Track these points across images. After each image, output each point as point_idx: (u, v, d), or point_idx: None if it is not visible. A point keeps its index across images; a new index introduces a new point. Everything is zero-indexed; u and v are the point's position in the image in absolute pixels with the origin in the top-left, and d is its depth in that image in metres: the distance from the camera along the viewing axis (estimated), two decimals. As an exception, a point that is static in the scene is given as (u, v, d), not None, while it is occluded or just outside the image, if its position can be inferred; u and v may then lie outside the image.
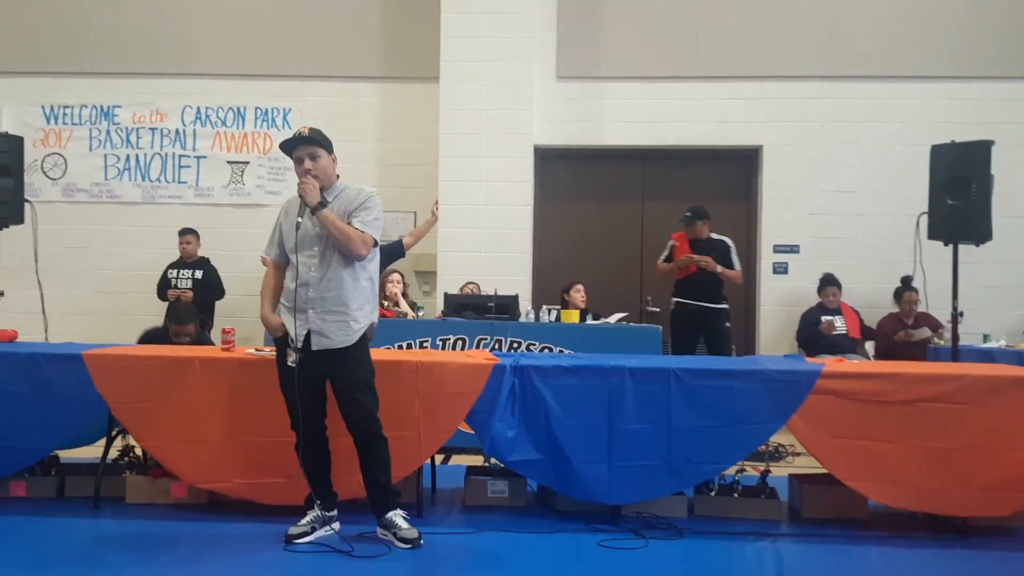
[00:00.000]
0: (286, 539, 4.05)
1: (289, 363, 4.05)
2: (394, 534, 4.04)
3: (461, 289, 7.34)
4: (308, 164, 4.06)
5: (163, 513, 4.57)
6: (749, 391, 4.41)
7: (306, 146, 4.08)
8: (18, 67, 8.66)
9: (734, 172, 8.51)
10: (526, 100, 7.96)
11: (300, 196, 4.04)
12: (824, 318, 7.46)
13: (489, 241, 7.87)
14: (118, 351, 4.79)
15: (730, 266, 7.12)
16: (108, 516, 4.55)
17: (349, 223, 4.02)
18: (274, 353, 4.49)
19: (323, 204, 4.00)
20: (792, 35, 8.20)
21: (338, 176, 4.23)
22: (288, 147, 4.14)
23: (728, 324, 7.18)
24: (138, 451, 5.03)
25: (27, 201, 6.21)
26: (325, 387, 4.14)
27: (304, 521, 4.14)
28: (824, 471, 4.54)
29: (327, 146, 4.14)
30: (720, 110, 8.19)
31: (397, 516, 4.10)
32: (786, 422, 4.42)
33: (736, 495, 4.70)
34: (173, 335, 5.70)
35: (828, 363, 4.80)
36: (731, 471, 4.72)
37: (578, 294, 7.33)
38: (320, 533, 4.13)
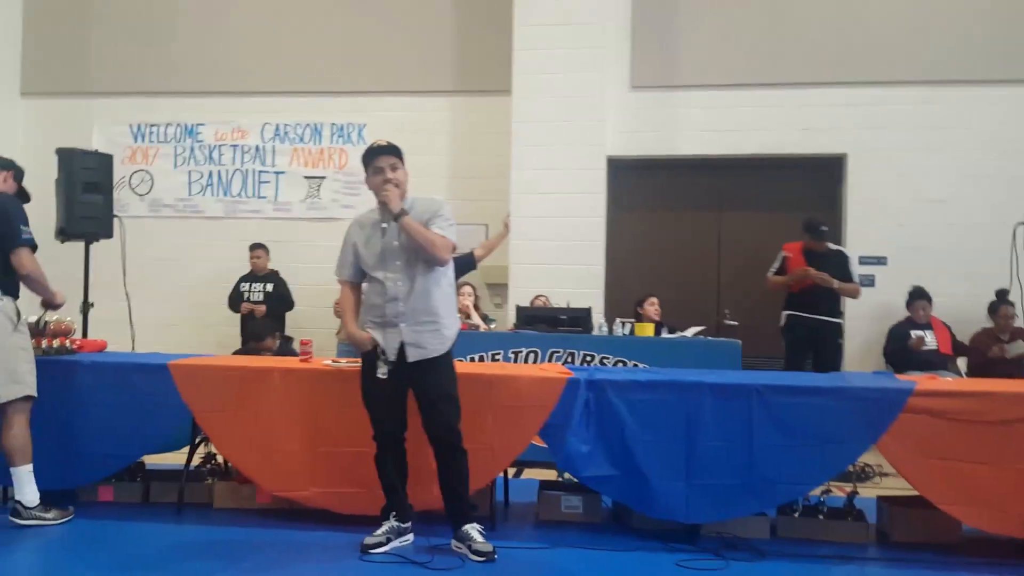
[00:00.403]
0: (362, 549, 4.06)
1: (379, 375, 4.06)
2: (468, 547, 4.01)
3: (531, 302, 7.29)
4: (390, 174, 4.09)
5: (244, 519, 4.64)
6: (837, 409, 4.23)
7: (387, 156, 4.12)
8: (108, 88, 9.00)
9: (817, 181, 8.26)
10: (599, 111, 7.89)
11: (383, 204, 4.07)
12: (914, 333, 7.17)
13: (561, 253, 7.81)
14: (202, 361, 4.92)
15: (848, 278, 6.90)
16: (191, 522, 4.64)
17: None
18: (350, 365, 4.52)
19: (404, 212, 4.03)
20: (878, 39, 7.95)
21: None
22: (369, 157, 4.16)
23: (841, 341, 6.95)
24: (220, 459, 5.13)
25: (116, 216, 6.44)
26: (407, 400, 4.15)
27: (380, 532, 4.14)
28: (915, 493, 4.34)
29: (403, 159, 4.17)
30: (802, 117, 7.97)
31: (473, 529, 4.07)
32: (876, 442, 4.23)
33: (821, 516, 4.52)
34: (256, 351, 5.81)
35: (920, 380, 4.59)
36: (816, 492, 4.54)
37: (652, 307, 7.19)
38: (395, 544, 4.13)
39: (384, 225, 4.09)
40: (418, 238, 4.00)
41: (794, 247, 7.05)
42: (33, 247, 4.46)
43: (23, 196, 4.80)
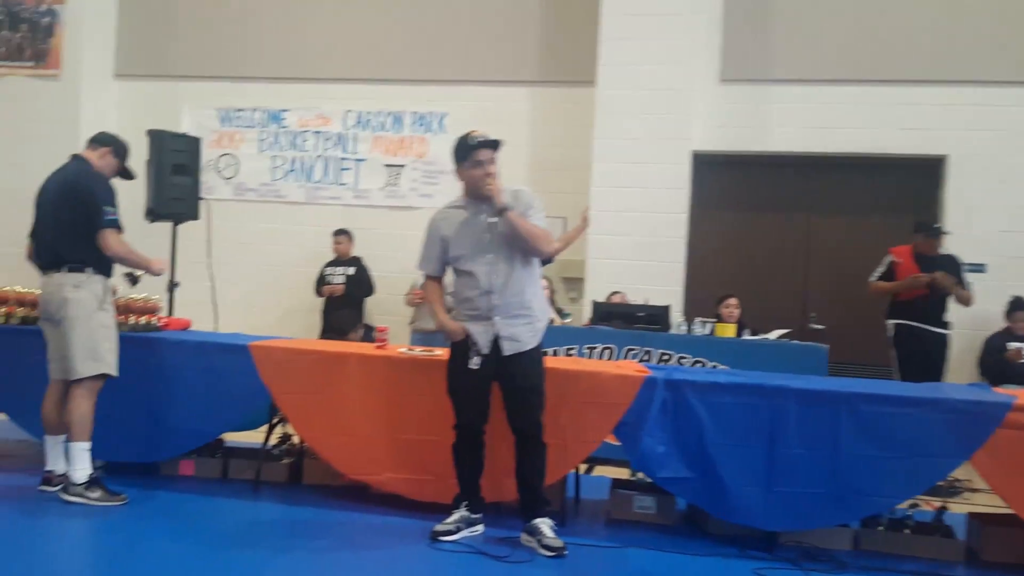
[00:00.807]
0: (432, 535, 4.07)
1: (471, 366, 4.05)
2: (539, 541, 3.97)
3: (608, 298, 7.18)
4: (491, 168, 4.05)
5: (319, 500, 4.72)
6: (930, 421, 4.05)
7: (489, 150, 4.07)
8: (197, 71, 9.17)
9: (914, 184, 7.93)
10: (686, 104, 7.72)
11: (485, 197, 4.03)
12: (1010, 345, 6.84)
13: (640, 249, 7.67)
14: (282, 344, 5.01)
15: (962, 285, 6.62)
16: (268, 499, 4.75)
17: None
18: (424, 354, 4.52)
19: (509, 206, 4.00)
20: (983, 36, 7.59)
21: None
22: (469, 149, 4.07)
23: (947, 353, 6.66)
24: (295, 439, 5.22)
25: (202, 199, 6.55)
26: (491, 392, 4.12)
27: (450, 520, 4.15)
28: (1008, 511, 4.12)
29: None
30: (900, 116, 7.65)
31: (544, 524, 4.04)
32: (969, 457, 4.03)
33: (907, 531, 4.34)
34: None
35: (1020, 395, 4.35)
36: (903, 505, 4.35)
37: (728, 309, 6.98)
38: (465, 533, 4.14)
39: (492, 220, 4.05)
40: (522, 232, 3.99)
41: (903, 251, 6.77)
42: (118, 228, 4.50)
43: (126, 174, 4.83)
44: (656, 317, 6.33)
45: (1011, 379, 6.48)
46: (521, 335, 4.04)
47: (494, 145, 4.07)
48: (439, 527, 4.11)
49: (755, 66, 7.93)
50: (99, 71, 9.21)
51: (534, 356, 4.09)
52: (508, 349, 4.03)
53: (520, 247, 4.03)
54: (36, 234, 4.63)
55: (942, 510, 4.45)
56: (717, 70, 7.97)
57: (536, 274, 4.16)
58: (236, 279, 8.32)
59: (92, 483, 4.39)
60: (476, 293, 4.06)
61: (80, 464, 4.37)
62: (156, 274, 4.81)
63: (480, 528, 4.21)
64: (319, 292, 8.17)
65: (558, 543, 3.94)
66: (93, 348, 4.44)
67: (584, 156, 7.86)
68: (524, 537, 4.05)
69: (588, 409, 4.35)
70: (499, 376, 4.07)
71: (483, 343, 4.04)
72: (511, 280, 4.03)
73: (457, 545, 4.00)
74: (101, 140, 4.74)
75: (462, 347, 4.10)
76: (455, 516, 4.17)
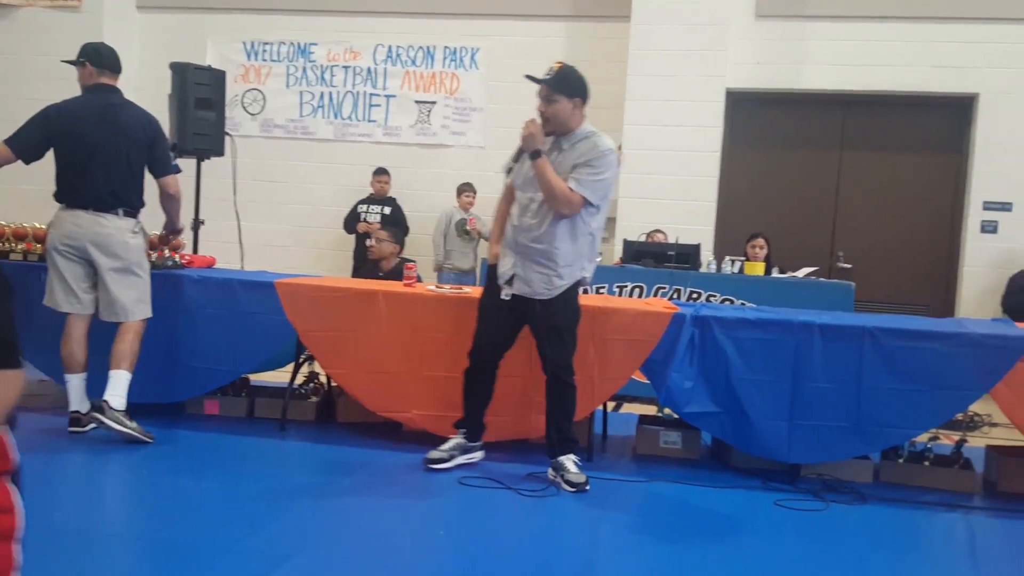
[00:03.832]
0: (425, 462, 4.15)
1: (503, 296, 4.08)
2: (562, 476, 4.04)
3: (649, 236, 7.16)
4: (541, 106, 3.97)
5: (348, 438, 4.75)
6: (952, 355, 4.10)
7: (544, 88, 3.96)
8: (223, 3, 8.99)
9: (945, 121, 7.84)
10: (721, 40, 7.62)
11: (521, 138, 3.98)
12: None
13: (672, 188, 7.66)
14: (308, 281, 4.99)
15: None
16: (293, 438, 4.78)
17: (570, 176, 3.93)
18: (453, 291, 4.60)
19: (539, 153, 3.92)
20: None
21: (585, 122, 4.07)
22: (535, 82, 4.01)
23: None
24: (322, 378, 5.27)
25: (228, 135, 6.48)
26: (518, 329, 4.15)
27: (445, 447, 4.22)
28: (1028, 445, 4.19)
29: (569, 91, 3.95)
30: (934, 54, 7.53)
31: (568, 460, 4.10)
32: (990, 390, 4.09)
33: (927, 463, 4.42)
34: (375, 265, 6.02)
35: (1044, 330, 4.39)
36: (922, 438, 4.44)
37: (754, 249, 6.97)
38: (460, 460, 4.21)
39: (513, 164, 4.05)
40: (543, 183, 3.91)
41: None
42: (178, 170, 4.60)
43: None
44: (686, 256, 6.34)
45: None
46: (533, 281, 4.00)
47: (545, 82, 3.95)
48: (433, 453, 4.17)
49: (791, 1, 7.78)
50: (121, 2, 9.00)
51: (559, 301, 4.01)
52: (517, 288, 4.03)
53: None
54: (76, 168, 4.43)
55: (961, 443, 4.51)
56: (753, 5, 7.84)
57: (578, 230, 3.99)
58: (262, 217, 8.33)
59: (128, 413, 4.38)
60: (515, 223, 4.07)
61: (120, 391, 4.32)
62: (179, 232, 4.93)
63: (478, 455, 4.28)
64: (352, 228, 8.16)
65: (580, 478, 4.01)
66: (145, 291, 4.55)
67: (619, 93, 7.78)
68: (550, 472, 4.12)
69: (616, 346, 4.41)
70: (525, 313, 4.09)
71: (502, 275, 4.07)
72: (545, 227, 3.97)
73: (486, 481, 4.03)
74: (112, 65, 4.58)
75: (494, 272, 4.15)
76: (451, 443, 4.23)
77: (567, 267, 4.01)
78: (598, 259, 6.96)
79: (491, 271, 4.18)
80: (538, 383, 4.21)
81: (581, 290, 4.18)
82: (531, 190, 4.01)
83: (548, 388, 4.11)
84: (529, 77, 4.00)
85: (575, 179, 3.91)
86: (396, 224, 8.02)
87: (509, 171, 4.13)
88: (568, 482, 4.01)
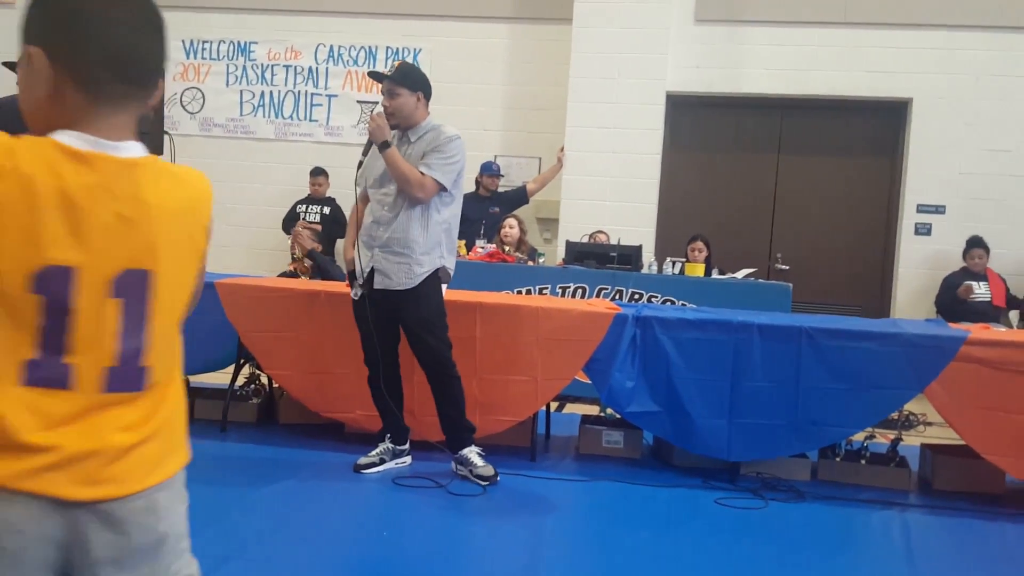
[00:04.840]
0: (355, 468, 4.14)
1: (352, 295, 4.12)
2: (470, 471, 4.06)
3: (591, 237, 7.21)
4: (385, 101, 4.07)
5: (289, 439, 4.71)
6: (887, 355, 4.18)
7: (387, 83, 4.07)
8: (161, 1, 8.85)
9: (879, 125, 8.02)
10: (661, 44, 7.69)
11: (368, 132, 4.05)
12: (965, 283, 7.01)
13: (614, 190, 7.71)
14: (249, 282, 4.95)
15: None
16: (234, 440, 4.72)
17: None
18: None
19: (387, 144, 3.97)
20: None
21: (429, 116, 4.16)
22: (374, 79, 4.20)
23: None
24: (264, 379, 5.20)
25: (167, 133, 6.36)
26: (394, 325, 4.13)
27: (374, 453, 4.22)
28: (959, 443, 4.31)
29: (411, 85, 4.05)
30: (869, 59, 7.70)
31: (472, 453, 4.11)
32: (924, 389, 4.19)
33: (863, 462, 4.50)
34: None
35: (974, 330, 4.51)
36: (859, 437, 4.52)
37: (693, 252, 7.01)
38: (389, 465, 4.21)
39: (362, 158, 4.15)
40: (394, 172, 3.96)
41: None
42: None
43: None
44: (628, 257, 6.39)
45: (966, 317, 6.63)
46: (392, 272, 4.00)
47: (387, 77, 4.07)
48: (362, 460, 4.17)
49: (730, 6, 7.90)
50: None
51: (420, 293, 4.01)
52: (378, 283, 4.02)
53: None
54: None
55: (897, 442, 4.61)
56: (692, 10, 7.93)
57: (431, 217, 4.04)
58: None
59: None
60: (369, 221, 4.10)
61: None
62: None
63: (407, 460, 4.27)
64: (289, 229, 8.02)
65: (489, 471, 4.02)
66: None
67: (561, 95, 7.82)
68: (455, 467, 4.13)
69: (559, 347, 4.42)
70: (390, 312, 4.06)
71: (359, 272, 4.07)
72: (400, 218, 3.99)
73: (425, 481, 4.03)
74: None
75: (352, 276, 4.16)
76: (379, 448, 4.22)
77: (424, 255, 4.01)
78: (541, 260, 7.08)
79: (350, 276, 4.19)
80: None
81: (444, 287, 4.16)
82: (384, 184, 4.06)
83: (432, 384, 4.10)
84: (372, 74, 4.20)
85: (426, 164, 3.99)
86: (336, 222, 7.97)
87: (360, 165, 4.17)
88: (478, 476, 4.02)
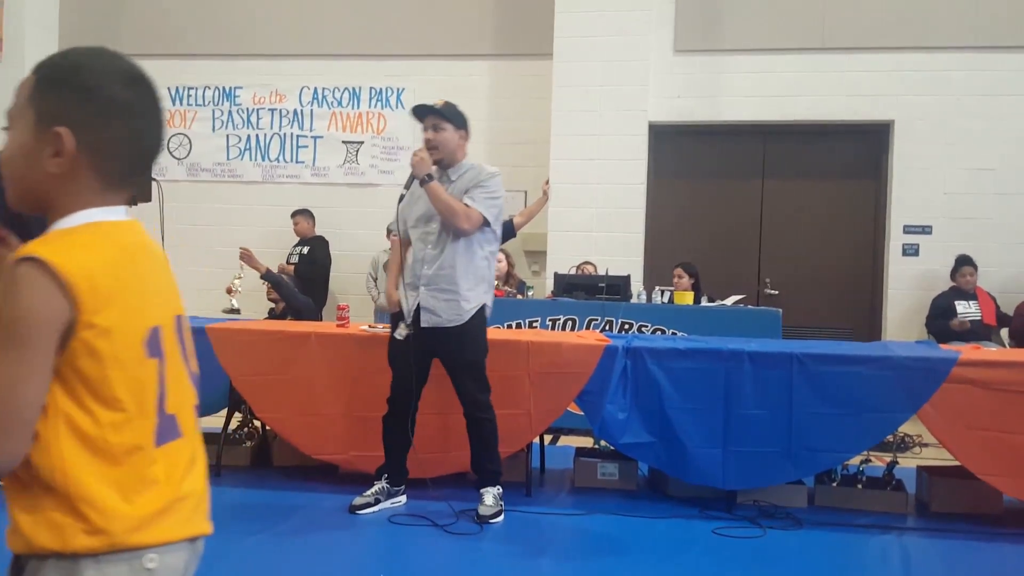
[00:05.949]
0: (350, 508, 4.11)
1: (396, 336, 4.09)
2: (476, 509, 4.05)
3: (578, 269, 7.22)
4: (429, 134, 4.06)
5: (284, 482, 4.68)
6: (878, 378, 4.18)
7: (433, 117, 4.07)
8: (145, 49, 8.83)
9: (862, 149, 8.08)
10: (642, 75, 7.76)
11: (411, 166, 4.03)
12: (959, 309, 6.99)
13: (600, 221, 7.74)
14: (239, 325, 4.93)
15: None
16: (228, 484, 4.67)
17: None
18: (386, 330, 4.54)
19: (430, 177, 3.97)
20: (926, 3, 7.71)
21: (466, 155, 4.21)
22: (419, 114, 4.13)
23: None
24: (257, 423, 5.16)
25: (154, 180, 6.41)
26: (430, 367, 4.14)
27: (369, 492, 4.19)
28: (955, 464, 4.28)
29: (456, 121, 4.10)
30: (849, 84, 7.77)
31: (487, 493, 4.09)
32: (917, 411, 4.18)
33: (860, 486, 4.49)
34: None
35: (965, 351, 4.51)
36: (855, 461, 4.51)
37: (676, 279, 7.03)
38: (384, 505, 4.19)
39: (404, 192, 4.15)
40: (438, 204, 3.96)
41: None
42: None
43: None
44: (617, 287, 6.40)
45: (957, 336, 6.65)
46: (440, 310, 4.00)
47: (433, 111, 4.07)
48: (357, 500, 4.15)
49: (708, 36, 7.99)
50: (44, 52, 8.68)
51: (465, 333, 4.02)
52: (425, 321, 4.02)
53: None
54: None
55: (892, 465, 4.59)
56: (671, 41, 8.02)
57: (479, 254, 4.08)
58: (192, 262, 8.20)
59: None
60: (412, 261, 4.11)
61: None
62: None
63: (402, 500, 4.25)
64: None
65: (488, 511, 4.00)
66: None
67: (543, 129, 7.88)
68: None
69: (551, 379, 4.41)
70: (434, 351, 4.08)
71: (408, 313, 4.06)
72: (445, 254, 4.01)
73: (420, 520, 4.00)
74: None
75: (398, 317, 4.15)
76: (375, 488, 4.20)
77: (470, 290, 4.03)
78: (530, 292, 7.08)
79: (393, 319, 4.19)
80: (461, 417, 4.19)
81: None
82: (427, 222, 4.07)
83: (468, 426, 4.12)
84: (419, 107, 4.13)
85: (470, 198, 4.00)
86: (312, 263, 7.93)
87: (401, 199, 4.19)
88: (478, 514, 4.01)
